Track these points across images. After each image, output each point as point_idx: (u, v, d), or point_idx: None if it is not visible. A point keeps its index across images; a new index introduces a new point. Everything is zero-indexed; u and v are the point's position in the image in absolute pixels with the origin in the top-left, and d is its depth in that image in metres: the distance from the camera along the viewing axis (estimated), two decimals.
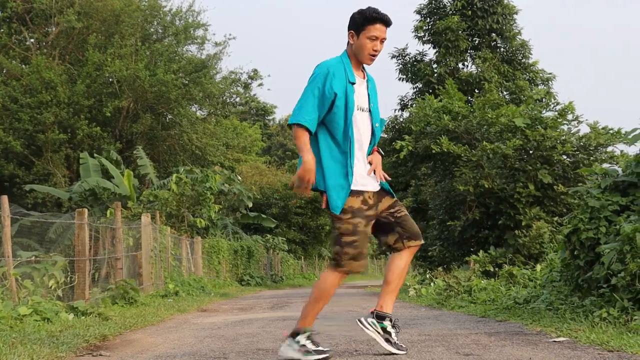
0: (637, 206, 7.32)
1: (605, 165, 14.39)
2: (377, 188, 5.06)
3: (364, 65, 5.16)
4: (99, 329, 7.17)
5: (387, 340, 4.96)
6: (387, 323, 4.99)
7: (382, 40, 5.00)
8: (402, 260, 5.11)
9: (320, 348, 4.87)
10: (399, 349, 4.98)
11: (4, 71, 30.49)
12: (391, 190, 5.18)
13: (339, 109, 4.92)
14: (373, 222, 5.03)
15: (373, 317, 5.01)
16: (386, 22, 5.01)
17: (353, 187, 4.88)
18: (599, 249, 7.10)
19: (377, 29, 4.95)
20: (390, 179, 5.27)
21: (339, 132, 4.95)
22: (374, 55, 5.01)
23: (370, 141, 5.10)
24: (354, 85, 5.00)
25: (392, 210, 5.09)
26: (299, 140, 4.86)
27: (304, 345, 4.83)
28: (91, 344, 6.27)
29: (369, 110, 5.08)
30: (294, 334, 4.89)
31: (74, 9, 30.10)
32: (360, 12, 5.00)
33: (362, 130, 5.02)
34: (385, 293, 5.11)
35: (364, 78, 5.13)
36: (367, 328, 4.98)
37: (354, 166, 4.93)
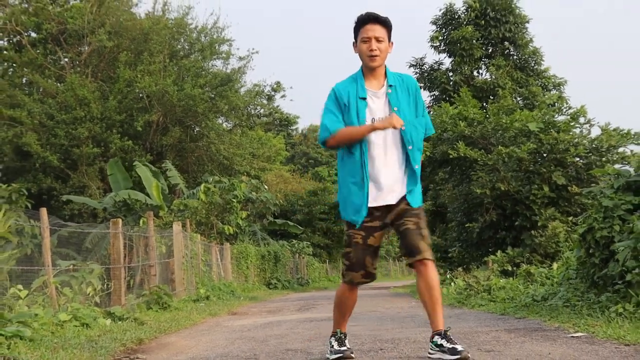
0: None
1: (617, 166, 14.32)
2: (390, 202, 4.74)
3: (389, 71, 4.90)
4: (135, 333, 7.21)
5: (443, 352, 4.55)
6: (436, 338, 4.62)
7: (378, 39, 4.77)
8: (420, 280, 4.71)
9: (341, 348, 4.83)
10: (453, 354, 4.49)
11: (40, 90, 30.75)
12: (415, 196, 4.79)
13: (352, 124, 4.75)
14: (379, 233, 4.80)
15: (430, 341, 4.70)
16: (375, 19, 4.81)
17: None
18: (613, 246, 7.06)
19: (367, 30, 4.78)
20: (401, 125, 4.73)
21: (355, 150, 4.78)
22: (373, 55, 4.77)
23: (403, 149, 4.79)
24: (367, 100, 4.79)
25: (398, 222, 4.74)
26: (341, 138, 4.75)
27: (332, 346, 4.88)
28: (128, 347, 6.31)
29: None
30: (330, 337, 5.00)
31: (105, 29, 30.30)
32: (354, 22, 4.89)
33: (381, 144, 4.76)
34: (428, 315, 4.74)
35: (382, 87, 4.84)
36: (431, 355, 4.66)
37: (369, 183, 4.74)
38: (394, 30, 4.90)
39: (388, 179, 4.75)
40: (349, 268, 4.79)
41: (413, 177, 4.79)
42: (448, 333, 4.64)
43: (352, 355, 4.83)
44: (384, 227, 4.81)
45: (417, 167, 4.82)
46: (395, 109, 4.78)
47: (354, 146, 4.77)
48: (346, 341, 4.92)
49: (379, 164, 4.76)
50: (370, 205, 4.74)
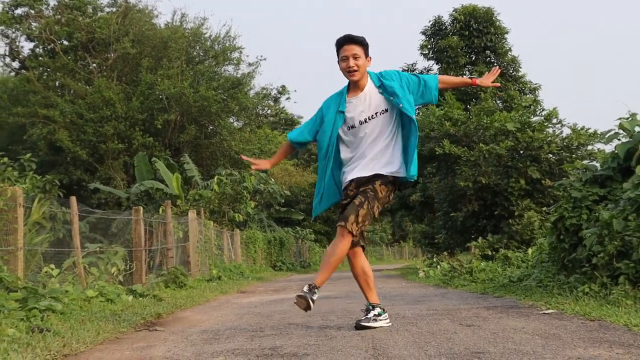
0: (613, 196, 7.28)
1: (585, 162, 14.30)
2: (357, 175, 4.92)
3: (372, 76, 5.01)
4: (154, 308, 7.21)
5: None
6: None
7: (355, 56, 4.86)
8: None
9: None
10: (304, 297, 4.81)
11: (71, 92, 30.76)
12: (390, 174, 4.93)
13: (324, 134, 5.00)
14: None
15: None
16: (350, 40, 4.89)
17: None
18: (581, 233, 7.07)
19: (345, 50, 4.88)
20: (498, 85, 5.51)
21: (321, 152, 5.04)
22: (351, 71, 4.87)
23: (405, 131, 4.95)
24: (345, 111, 4.94)
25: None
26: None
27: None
28: (148, 321, 6.31)
29: (385, 111, 4.90)
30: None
31: (129, 37, 30.32)
32: (334, 44, 5.00)
33: (364, 138, 4.89)
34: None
35: (361, 92, 4.94)
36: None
37: (344, 171, 5.04)
38: (376, 46, 4.99)
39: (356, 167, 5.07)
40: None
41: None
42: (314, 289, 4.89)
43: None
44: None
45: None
46: (391, 97, 4.90)
47: (323, 152, 5.16)
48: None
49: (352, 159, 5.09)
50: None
